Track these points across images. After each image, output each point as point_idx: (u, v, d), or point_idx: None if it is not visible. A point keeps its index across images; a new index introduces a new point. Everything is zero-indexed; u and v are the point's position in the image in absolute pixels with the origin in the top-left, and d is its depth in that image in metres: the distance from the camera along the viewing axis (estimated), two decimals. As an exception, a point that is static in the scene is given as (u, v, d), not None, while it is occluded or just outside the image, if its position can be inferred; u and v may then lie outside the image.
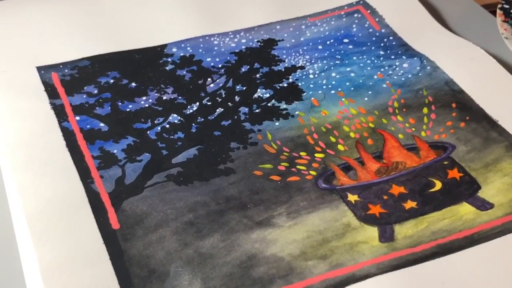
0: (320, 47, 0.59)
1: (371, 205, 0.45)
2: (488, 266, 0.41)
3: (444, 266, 0.41)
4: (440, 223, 0.44)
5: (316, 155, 0.49)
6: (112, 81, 0.54)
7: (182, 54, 0.57)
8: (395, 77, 0.56)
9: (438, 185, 0.47)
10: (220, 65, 0.56)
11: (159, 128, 0.50)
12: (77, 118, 0.50)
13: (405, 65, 0.57)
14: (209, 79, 0.55)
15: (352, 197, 0.46)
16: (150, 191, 0.45)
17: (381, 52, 0.58)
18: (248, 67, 0.56)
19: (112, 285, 0.39)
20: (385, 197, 0.46)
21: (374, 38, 0.60)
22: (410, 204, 0.45)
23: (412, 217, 0.44)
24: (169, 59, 0.57)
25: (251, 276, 0.40)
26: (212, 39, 0.59)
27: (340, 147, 0.49)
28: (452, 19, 0.65)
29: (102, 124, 0.50)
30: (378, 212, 0.45)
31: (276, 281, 0.40)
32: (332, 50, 0.59)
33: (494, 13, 0.63)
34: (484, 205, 0.45)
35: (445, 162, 0.48)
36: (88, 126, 0.50)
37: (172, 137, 0.49)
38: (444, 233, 0.43)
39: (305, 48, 0.59)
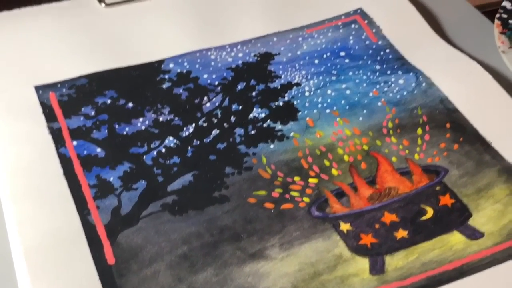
0: (316, 61, 0.59)
1: (363, 234, 0.46)
2: (476, 299, 0.42)
3: (434, 299, 0.42)
4: (431, 253, 0.45)
5: (310, 180, 0.49)
6: (109, 101, 0.54)
7: (179, 71, 0.58)
8: (391, 95, 0.56)
9: (430, 212, 0.47)
10: (216, 83, 0.57)
11: (155, 152, 0.51)
12: (74, 143, 0.51)
13: (400, 81, 0.57)
14: (205, 98, 0.55)
15: (344, 226, 0.46)
16: (145, 222, 0.46)
17: (377, 67, 0.58)
18: (244, 84, 0.57)
19: (108, 322, 0.40)
20: (377, 226, 0.46)
21: (370, 51, 0.60)
22: (401, 234, 0.46)
23: (403, 248, 0.45)
24: (166, 76, 0.57)
25: (244, 312, 0.41)
26: (209, 53, 0.59)
27: (334, 171, 0.50)
28: (450, 26, 0.65)
29: (99, 150, 0.51)
30: (370, 242, 0.45)
31: (268, 316, 0.41)
32: (329, 64, 0.59)
33: (493, 12, 0.63)
34: (474, 234, 0.46)
35: (437, 188, 0.49)
36: (85, 152, 0.50)
37: (168, 162, 0.50)
38: (434, 264, 0.44)
39: (301, 62, 0.59)
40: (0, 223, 0.46)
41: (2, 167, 0.49)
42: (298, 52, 0.60)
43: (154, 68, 0.58)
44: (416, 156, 0.51)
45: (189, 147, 0.51)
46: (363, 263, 0.44)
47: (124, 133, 0.52)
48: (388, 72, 0.58)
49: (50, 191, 0.47)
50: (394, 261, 0.44)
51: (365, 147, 0.52)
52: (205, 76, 0.57)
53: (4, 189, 0.47)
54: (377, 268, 0.44)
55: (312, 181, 0.49)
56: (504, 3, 0.63)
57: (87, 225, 0.45)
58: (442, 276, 0.44)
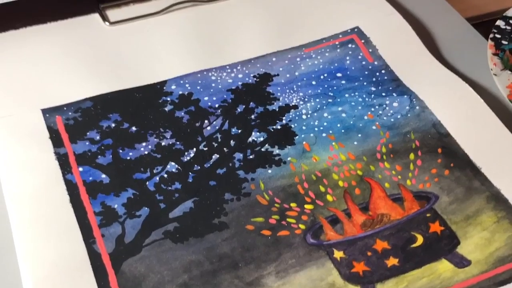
0: (314, 82, 0.61)
1: (355, 262, 0.48)
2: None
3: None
4: (419, 282, 0.47)
5: (306, 206, 0.52)
6: (113, 125, 0.57)
7: (180, 93, 0.60)
8: (385, 118, 0.58)
9: (420, 240, 0.49)
10: (217, 105, 0.59)
11: (157, 178, 0.53)
12: (80, 169, 0.53)
13: (395, 104, 0.59)
14: (206, 121, 0.57)
15: (338, 254, 0.49)
16: (148, 250, 0.48)
17: (373, 89, 0.60)
18: (244, 107, 0.59)
19: None
20: (369, 254, 0.49)
21: (366, 72, 0.62)
22: (392, 261, 0.48)
23: (393, 276, 0.48)
24: (168, 98, 0.59)
25: None
26: (210, 74, 0.61)
27: (329, 197, 0.52)
28: (445, 42, 0.66)
29: (103, 176, 0.53)
30: (362, 270, 0.48)
31: None
32: (325, 86, 0.61)
33: (490, 22, 0.64)
34: (462, 262, 0.48)
35: (427, 215, 0.51)
36: (90, 178, 0.53)
37: (170, 188, 0.52)
38: (422, 292, 0.47)
39: (299, 84, 0.61)
40: (11, 252, 0.48)
41: (11, 195, 0.51)
42: (296, 73, 0.62)
43: (156, 90, 0.60)
44: (408, 182, 0.53)
45: (190, 173, 0.53)
46: (355, 291, 0.47)
47: (128, 158, 0.54)
48: (383, 94, 0.60)
49: (57, 220, 0.49)
50: (385, 290, 0.47)
51: (359, 172, 0.54)
52: (206, 98, 0.59)
53: (13, 218, 0.49)
54: (368, 297, 0.46)
55: (308, 207, 0.52)
56: (498, 22, 0.65)
57: (93, 253, 0.48)
58: (430, 305, 0.46)
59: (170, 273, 0.47)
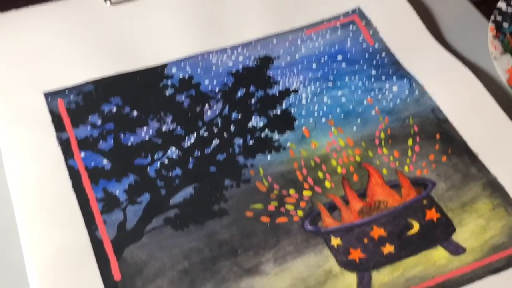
0: (314, 65, 0.61)
1: (352, 249, 0.49)
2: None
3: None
4: (415, 269, 0.48)
5: (304, 193, 0.52)
6: (115, 109, 0.57)
7: (181, 76, 0.60)
8: (384, 103, 0.58)
9: (416, 227, 0.50)
10: (217, 89, 0.59)
11: (158, 164, 0.54)
12: (82, 154, 0.54)
13: (394, 88, 0.59)
14: (206, 106, 0.58)
15: (335, 241, 0.50)
16: (149, 237, 0.49)
17: (373, 72, 0.60)
18: (244, 90, 0.59)
19: None
20: (365, 241, 0.49)
21: (367, 55, 0.62)
22: (388, 249, 0.49)
23: (389, 263, 0.49)
24: (169, 82, 0.59)
25: (239, 328, 0.45)
26: (211, 56, 0.62)
27: (327, 183, 0.53)
28: (446, 23, 0.66)
29: (105, 161, 0.54)
30: (358, 257, 0.49)
31: (262, 332, 0.45)
32: (326, 69, 0.61)
33: (493, 1, 0.64)
34: (457, 250, 0.49)
35: (424, 201, 0.52)
36: (92, 164, 0.53)
37: (170, 174, 0.53)
38: (417, 280, 0.48)
39: (299, 67, 0.61)
40: (15, 240, 0.49)
41: (15, 182, 0.52)
42: (297, 56, 0.62)
43: (157, 73, 0.60)
44: (406, 168, 0.54)
45: (190, 159, 0.54)
46: (351, 278, 0.48)
47: (129, 143, 0.55)
48: (383, 78, 0.60)
49: (60, 207, 0.50)
50: (380, 277, 0.48)
51: (358, 159, 0.55)
52: (207, 82, 0.60)
53: (17, 206, 0.50)
54: (364, 284, 0.48)
55: (306, 193, 0.52)
56: (500, 4, 0.64)
57: (95, 240, 0.49)
58: (424, 292, 0.47)
59: (171, 260, 0.48)
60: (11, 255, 0.49)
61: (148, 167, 0.54)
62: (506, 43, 0.61)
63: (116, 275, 0.47)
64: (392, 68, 0.61)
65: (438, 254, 0.49)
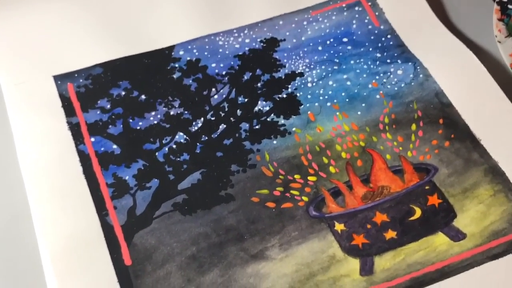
0: (320, 47, 0.62)
1: (355, 234, 0.51)
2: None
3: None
4: (416, 255, 0.50)
5: (309, 178, 0.54)
6: (123, 93, 0.58)
7: (188, 59, 0.61)
8: (389, 86, 0.59)
9: (418, 213, 0.52)
10: (224, 72, 0.60)
11: (166, 149, 0.55)
12: (92, 139, 0.55)
13: (399, 71, 0.60)
14: (213, 89, 0.59)
15: (339, 226, 0.51)
16: (158, 222, 0.51)
17: (378, 55, 0.61)
18: (250, 74, 0.60)
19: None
20: (368, 226, 0.51)
21: (372, 37, 0.62)
22: (390, 234, 0.51)
23: (391, 248, 0.50)
24: (177, 65, 0.60)
25: (246, 312, 0.47)
26: (217, 38, 0.62)
27: (332, 169, 0.54)
28: (452, 5, 0.66)
29: (115, 146, 0.55)
30: (361, 242, 0.50)
31: (268, 316, 0.47)
32: (331, 51, 0.61)
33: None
34: (457, 235, 0.51)
35: (426, 187, 0.53)
36: (102, 149, 0.55)
37: (178, 159, 0.54)
38: (419, 265, 0.49)
39: (305, 49, 0.62)
40: (29, 225, 0.50)
41: (28, 168, 0.53)
42: (303, 38, 0.62)
43: (165, 56, 0.61)
44: (409, 153, 0.55)
45: (198, 143, 0.55)
46: (354, 263, 0.49)
47: (138, 127, 0.56)
48: (388, 60, 0.61)
49: (71, 192, 0.52)
50: (382, 262, 0.49)
51: (362, 144, 0.56)
52: (213, 65, 0.61)
53: (30, 191, 0.52)
54: (366, 269, 0.49)
55: (311, 179, 0.54)
56: (506, -15, 0.65)
57: (106, 226, 0.50)
58: (425, 278, 0.49)
59: (179, 245, 0.50)
60: (25, 239, 0.50)
61: (157, 152, 0.55)
62: (510, 26, 0.61)
63: (127, 260, 0.49)
64: (397, 50, 0.62)
65: (439, 240, 0.50)
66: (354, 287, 0.48)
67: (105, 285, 0.47)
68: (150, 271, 0.48)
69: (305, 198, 0.53)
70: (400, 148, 0.55)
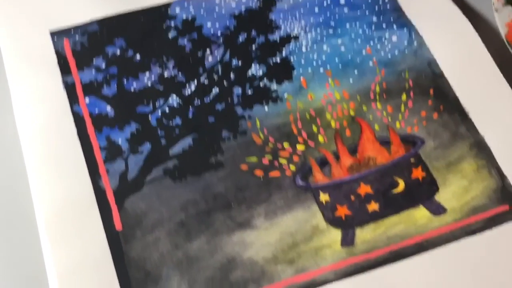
0: (316, 9, 0.62)
1: (339, 205, 0.52)
2: (432, 275, 0.49)
3: (395, 273, 0.49)
4: (396, 227, 0.51)
5: (297, 146, 0.55)
6: (118, 51, 0.59)
7: (184, 17, 0.61)
8: (382, 53, 0.59)
9: (401, 185, 0.53)
10: (219, 33, 0.60)
11: (159, 112, 0.56)
12: (87, 100, 0.56)
13: (394, 38, 0.60)
14: (208, 50, 0.59)
15: (324, 197, 0.53)
16: (149, 187, 0.53)
17: (374, 19, 0.61)
18: (246, 35, 0.60)
19: None
20: (352, 198, 0.53)
21: (369, 0, 0.62)
22: (373, 206, 0.52)
23: (372, 220, 0.52)
24: (172, 23, 0.60)
25: (229, 279, 0.49)
26: (214, -5, 0.62)
27: (320, 138, 0.55)
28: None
29: (108, 108, 0.56)
30: (344, 214, 0.52)
31: (250, 284, 0.49)
32: (328, 14, 0.62)
33: None
34: (438, 210, 0.52)
35: (412, 160, 0.54)
36: (96, 110, 0.56)
37: (171, 123, 0.56)
38: (398, 238, 0.51)
39: (302, 11, 0.62)
40: (26, 189, 0.52)
41: (24, 128, 0.54)
42: (300, -2, 0.62)
43: (161, 13, 0.61)
44: (398, 124, 0.56)
45: (190, 107, 0.56)
46: (336, 234, 0.51)
47: (132, 89, 0.57)
48: (384, 25, 0.61)
49: (66, 154, 0.53)
50: (363, 234, 0.51)
51: (352, 113, 0.57)
52: (209, 24, 0.61)
53: (26, 152, 0.53)
54: (347, 240, 0.51)
55: (300, 148, 0.55)
56: None
57: (99, 190, 0.52)
58: (404, 251, 0.50)
59: (169, 211, 0.52)
60: (21, 201, 0.52)
61: (150, 115, 0.56)
62: (509, -7, 0.61)
63: (118, 225, 0.51)
64: (394, 15, 0.61)
65: (420, 214, 0.52)
66: (334, 258, 0.50)
67: (96, 250, 0.50)
68: (140, 236, 0.50)
69: (292, 167, 0.54)
70: (389, 119, 0.56)
